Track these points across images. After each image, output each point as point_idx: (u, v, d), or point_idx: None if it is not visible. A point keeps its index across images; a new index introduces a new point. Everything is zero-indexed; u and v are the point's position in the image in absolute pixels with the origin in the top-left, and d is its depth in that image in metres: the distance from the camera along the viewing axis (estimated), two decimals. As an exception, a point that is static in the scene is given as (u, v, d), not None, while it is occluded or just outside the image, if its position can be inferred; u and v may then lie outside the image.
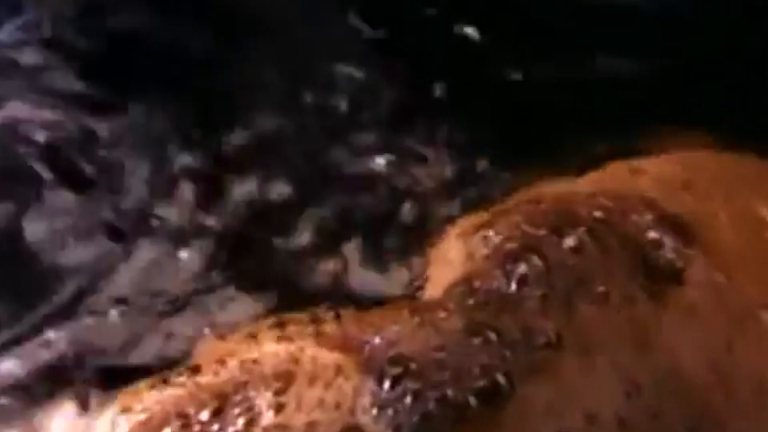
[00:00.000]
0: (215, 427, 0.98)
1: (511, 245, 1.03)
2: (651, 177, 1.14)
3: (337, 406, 0.96)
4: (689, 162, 1.18)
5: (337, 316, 1.05)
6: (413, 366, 0.96)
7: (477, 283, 1.01)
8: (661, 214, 1.07)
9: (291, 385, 0.99)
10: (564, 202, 1.07)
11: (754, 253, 1.07)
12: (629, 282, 1.01)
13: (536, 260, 1.01)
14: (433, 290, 1.08)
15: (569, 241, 1.03)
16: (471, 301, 1.00)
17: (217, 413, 0.99)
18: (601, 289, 1.01)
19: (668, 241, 1.05)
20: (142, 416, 1.03)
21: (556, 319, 0.98)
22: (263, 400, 0.98)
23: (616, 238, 1.04)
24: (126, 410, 1.05)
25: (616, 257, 1.03)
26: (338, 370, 0.99)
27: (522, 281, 1.00)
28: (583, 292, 1.00)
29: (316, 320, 1.05)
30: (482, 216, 1.11)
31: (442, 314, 0.99)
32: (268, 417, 0.97)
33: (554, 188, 1.13)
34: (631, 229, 1.05)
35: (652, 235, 1.05)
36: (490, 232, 1.05)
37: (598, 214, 1.05)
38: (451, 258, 1.07)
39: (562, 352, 0.97)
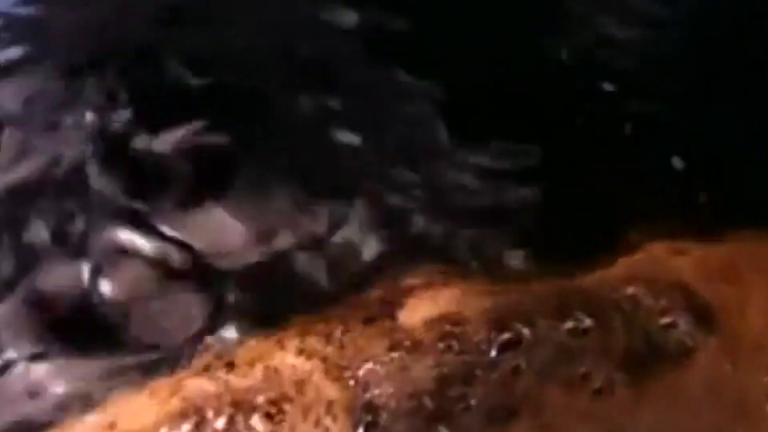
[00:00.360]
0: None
1: (503, 313, 1.05)
2: (692, 259, 1.11)
3: (325, 438, 1.02)
4: (738, 245, 1.13)
5: (346, 332, 1.09)
6: (383, 419, 1.01)
7: (455, 329, 1.04)
8: (684, 297, 1.06)
9: (289, 410, 1.05)
10: (589, 288, 1.07)
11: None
12: (617, 368, 1.01)
13: (525, 332, 1.03)
14: (406, 317, 1.11)
15: (569, 324, 1.03)
16: (441, 345, 1.03)
17: (229, 422, 1.08)
18: (581, 370, 1.01)
19: (683, 324, 1.04)
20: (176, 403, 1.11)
21: (520, 392, 0.99)
22: (260, 422, 1.05)
23: (623, 322, 1.04)
24: (175, 391, 1.14)
25: (615, 340, 1.02)
26: (329, 406, 1.05)
27: (501, 348, 1.02)
28: (561, 371, 1.00)
29: (329, 337, 1.10)
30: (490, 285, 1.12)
31: (415, 354, 1.03)
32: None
33: (589, 274, 1.12)
34: (644, 313, 1.04)
35: (665, 319, 1.03)
36: (488, 301, 1.07)
37: (624, 303, 1.05)
38: (437, 299, 1.10)
39: (518, 427, 0.98)
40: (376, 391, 1.03)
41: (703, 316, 1.05)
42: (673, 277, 1.08)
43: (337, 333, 1.10)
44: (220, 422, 1.07)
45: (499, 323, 1.04)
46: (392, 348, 1.06)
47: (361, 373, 1.05)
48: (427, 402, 1.01)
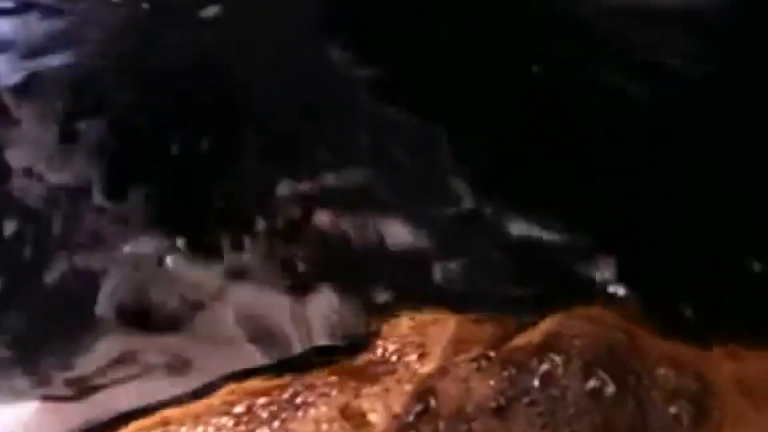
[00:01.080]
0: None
1: (548, 345, 1.11)
2: (736, 366, 1.13)
3: (388, 408, 1.16)
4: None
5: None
6: (432, 403, 1.12)
7: (516, 357, 1.11)
8: (700, 396, 1.12)
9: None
10: (632, 348, 1.09)
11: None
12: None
13: (559, 371, 1.08)
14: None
15: (592, 383, 1.07)
16: (506, 373, 1.15)
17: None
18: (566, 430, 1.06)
19: (684, 419, 1.09)
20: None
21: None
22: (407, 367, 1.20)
23: (635, 398, 1.06)
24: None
25: (616, 417, 1.05)
26: (413, 376, 1.18)
27: (543, 382, 1.09)
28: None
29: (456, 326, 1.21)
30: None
31: (484, 372, 1.14)
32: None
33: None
34: (658, 394, 1.12)
35: (672, 409, 1.08)
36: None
37: (645, 378, 1.08)
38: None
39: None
40: (440, 385, 1.14)
41: (703, 419, 1.03)
42: (710, 375, 1.07)
43: (461, 332, 1.22)
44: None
45: (540, 354, 1.11)
46: (475, 359, 1.16)
47: (444, 365, 1.16)
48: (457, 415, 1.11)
